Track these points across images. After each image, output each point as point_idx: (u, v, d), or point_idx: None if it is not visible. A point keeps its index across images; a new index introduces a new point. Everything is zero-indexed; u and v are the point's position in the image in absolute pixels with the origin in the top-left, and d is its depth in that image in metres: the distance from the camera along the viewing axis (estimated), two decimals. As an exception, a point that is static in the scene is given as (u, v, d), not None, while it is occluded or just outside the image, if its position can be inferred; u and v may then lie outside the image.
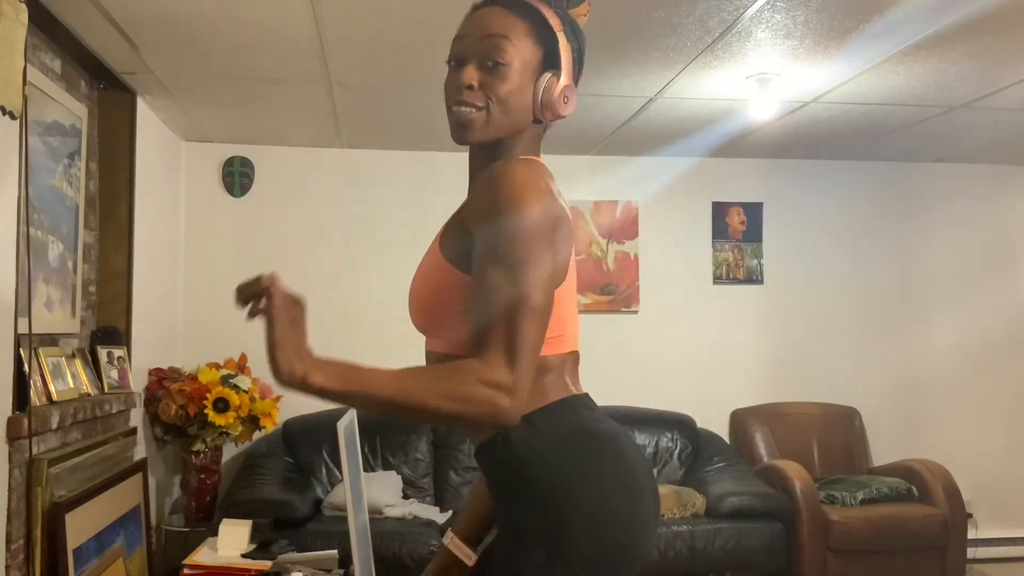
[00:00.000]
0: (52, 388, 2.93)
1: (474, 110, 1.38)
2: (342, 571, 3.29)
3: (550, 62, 1.44)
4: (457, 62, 1.41)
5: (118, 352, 3.66)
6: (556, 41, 1.44)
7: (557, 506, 1.31)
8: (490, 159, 1.41)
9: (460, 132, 1.40)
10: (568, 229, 1.36)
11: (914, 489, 4.56)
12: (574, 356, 1.46)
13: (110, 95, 3.77)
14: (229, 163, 4.89)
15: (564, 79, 1.46)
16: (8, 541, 2.55)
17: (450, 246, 1.38)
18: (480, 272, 1.26)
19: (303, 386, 1.17)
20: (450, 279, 1.36)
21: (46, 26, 3.02)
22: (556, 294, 1.32)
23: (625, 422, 4.85)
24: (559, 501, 1.31)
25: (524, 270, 1.23)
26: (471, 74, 1.38)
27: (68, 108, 3.28)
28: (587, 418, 1.42)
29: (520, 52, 1.39)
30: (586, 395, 1.46)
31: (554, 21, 1.45)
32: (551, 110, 1.44)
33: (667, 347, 5.08)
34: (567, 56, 1.47)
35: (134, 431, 3.72)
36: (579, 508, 1.31)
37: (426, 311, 1.43)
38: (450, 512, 4.36)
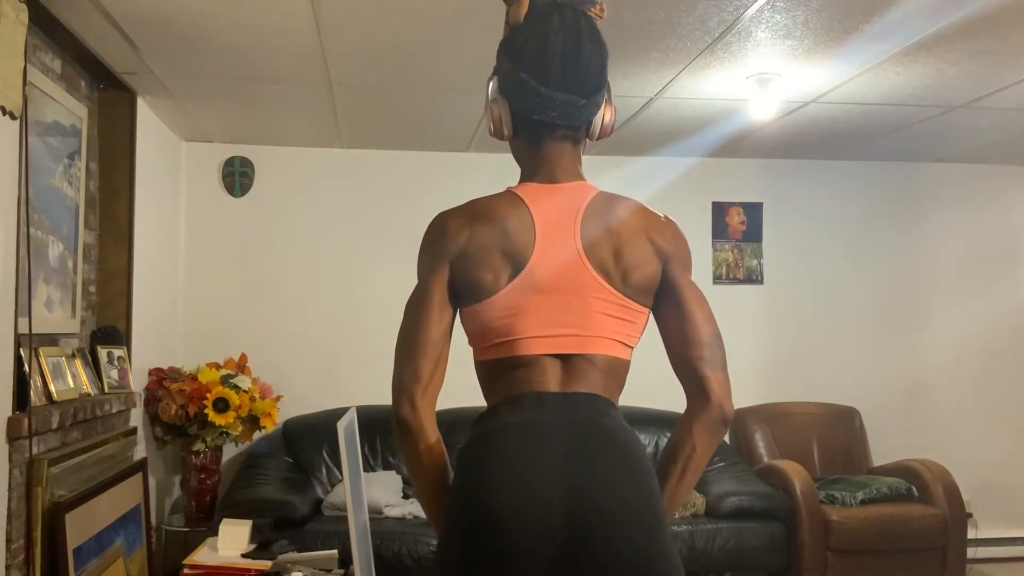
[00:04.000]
0: (52, 388, 2.93)
1: None
2: (342, 571, 3.29)
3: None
4: None
5: (118, 352, 3.66)
6: None
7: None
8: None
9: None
10: (472, 253, 1.52)
11: (914, 489, 4.56)
12: (540, 360, 1.51)
13: (110, 95, 3.77)
14: (229, 163, 4.89)
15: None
16: (8, 541, 2.55)
17: None
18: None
19: None
20: None
21: (46, 26, 3.02)
22: (483, 306, 1.52)
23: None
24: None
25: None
26: None
27: (68, 108, 3.28)
28: (487, 419, 1.51)
29: None
30: (522, 394, 1.50)
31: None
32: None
33: (667, 347, 5.07)
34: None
35: (134, 431, 3.72)
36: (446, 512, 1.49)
37: None
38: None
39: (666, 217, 1.63)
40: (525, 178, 1.62)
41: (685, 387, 1.56)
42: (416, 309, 1.54)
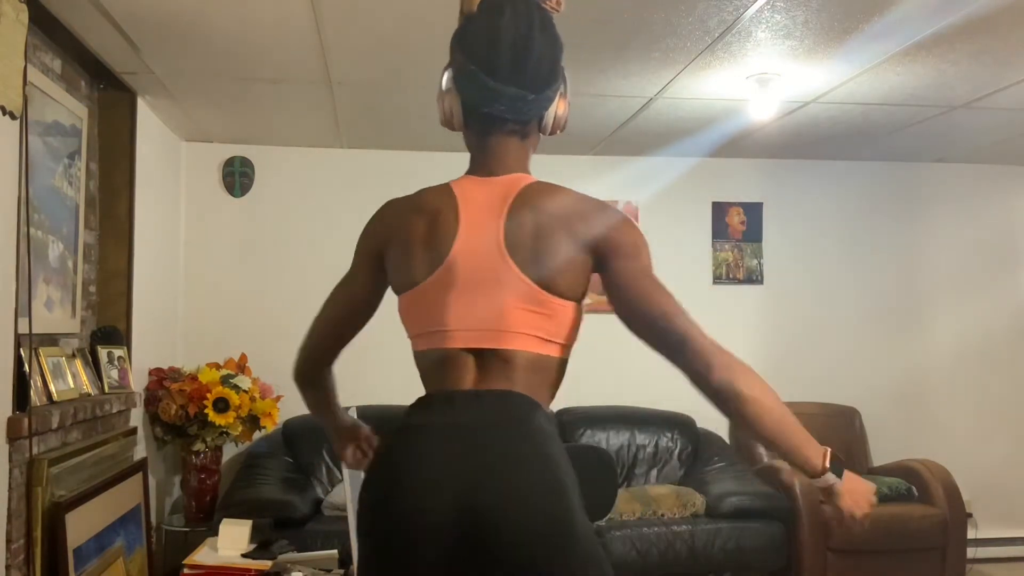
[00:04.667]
0: (52, 388, 2.93)
1: None
2: (342, 571, 3.29)
3: None
4: None
5: (118, 352, 3.66)
6: None
7: None
8: None
9: None
10: (399, 241, 1.57)
11: (914, 489, 4.56)
12: (451, 353, 1.51)
13: (110, 95, 3.77)
14: (229, 163, 4.89)
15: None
16: (8, 541, 2.55)
17: None
18: None
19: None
20: None
21: (46, 26, 3.02)
22: (409, 296, 1.54)
23: (625, 422, 4.89)
24: None
25: None
26: None
27: (68, 108, 3.28)
28: (406, 416, 1.54)
29: None
30: (435, 394, 1.53)
31: None
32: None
33: (667, 347, 5.07)
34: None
35: (134, 431, 3.72)
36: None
37: None
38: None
39: (605, 205, 1.56)
40: (468, 170, 1.61)
41: (681, 367, 1.51)
42: (331, 294, 1.72)
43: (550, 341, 1.51)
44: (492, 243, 1.49)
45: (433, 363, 1.53)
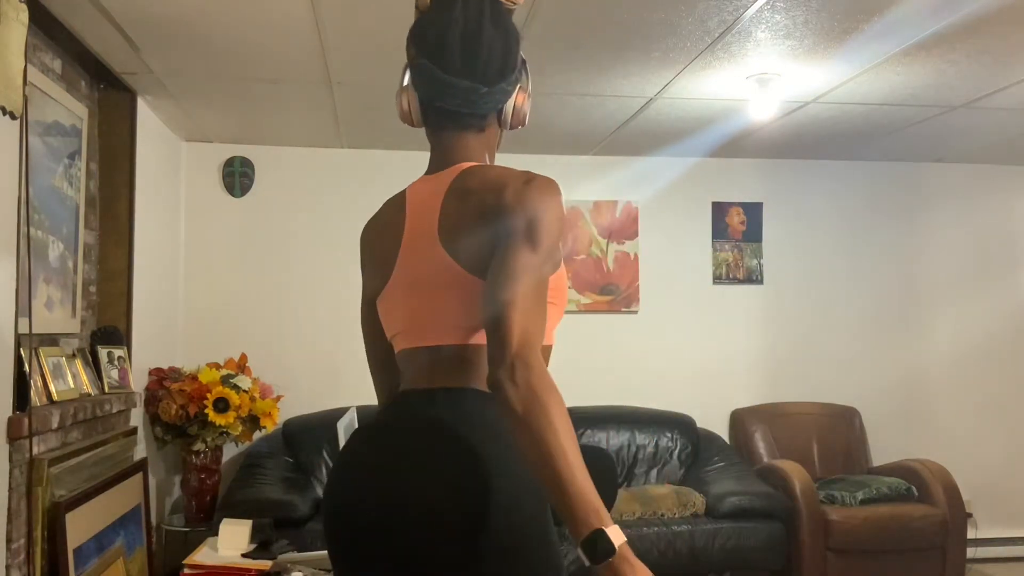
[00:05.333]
0: (52, 388, 2.93)
1: None
2: (342, 571, 3.29)
3: None
4: None
5: (118, 352, 3.66)
6: None
7: None
8: None
9: None
10: (369, 260, 1.60)
11: (914, 489, 4.56)
12: (408, 354, 1.52)
13: (110, 95, 3.77)
14: (229, 163, 4.89)
15: None
16: (8, 541, 2.55)
17: None
18: None
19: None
20: None
21: (46, 26, 3.02)
22: (379, 305, 1.56)
23: (625, 422, 4.89)
24: None
25: None
26: None
27: (68, 108, 3.28)
28: (376, 416, 1.55)
29: None
30: (396, 395, 1.52)
31: None
32: None
33: (667, 347, 5.08)
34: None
35: (134, 431, 3.73)
36: None
37: None
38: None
39: (529, 177, 1.43)
40: (427, 169, 1.58)
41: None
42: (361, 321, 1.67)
43: None
44: (428, 237, 1.46)
45: (402, 364, 1.54)
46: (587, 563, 1.15)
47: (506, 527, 1.33)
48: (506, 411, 1.23)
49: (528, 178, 1.42)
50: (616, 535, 1.15)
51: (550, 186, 1.42)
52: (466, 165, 1.51)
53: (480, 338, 1.38)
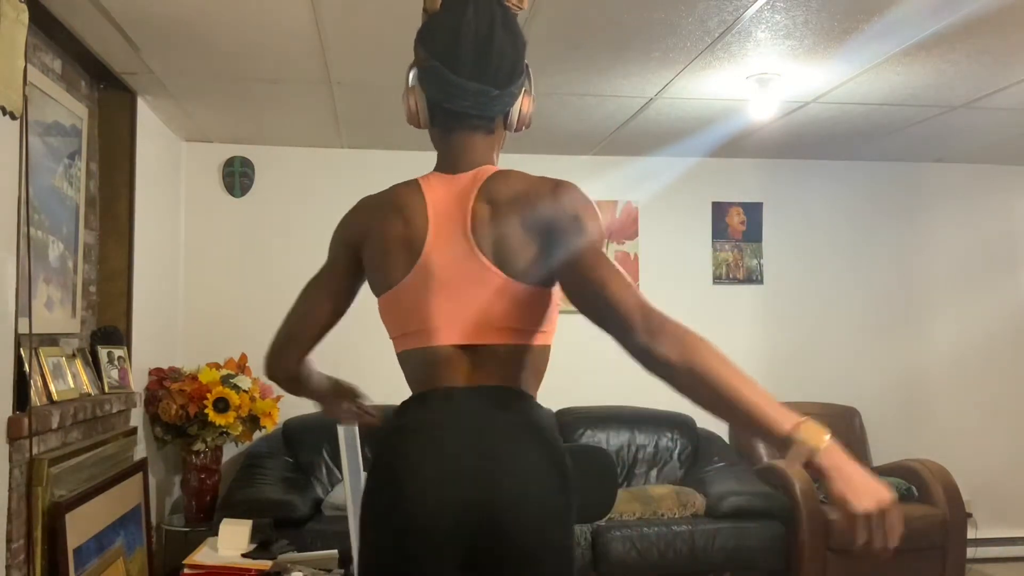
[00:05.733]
0: (52, 388, 2.93)
1: None
2: (342, 571, 3.29)
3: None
4: None
5: (118, 352, 3.66)
6: None
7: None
8: None
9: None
10: (375, 240, 1.58)
11: (914, 489, 4.56)
12: (431, 352, 1.52)
13: (110, 95, 3.77)
14: (229, 163, 4.89)
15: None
16: (8, 541, 2.55)
17: None
18: None
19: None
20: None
21: (46, 26, 3.02)
22: (388, 297, 1.54)
23: (625, 422, 4.89)
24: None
25: None
26: None
27: (68, 108, 3.28)
28: (395, 418, 1.55)
29: None
30: (430, 392, 1.52)
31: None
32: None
33: (667, 347, 5.07)
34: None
35: (134, 431, 3.73)
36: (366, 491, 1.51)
37: None
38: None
39: (559, 183, 1.52)
40: (436, 167, 1.62)
41: (613, 335, 1.39)
42: (305, 287, 1.73)
43: (530, 330, 1.51)
44: (461, 238, 1.50)
45: (422, 362, 1.53)
46: (809, 451, 1.26)
47: (572, 521, 1.48)
48: (662, 367, 1.31)
49: (562, 184, 1.52)
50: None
51: (578, 188, 1.54)
52: (491, 169, 1.56)
53: (527, 338, 1.50)
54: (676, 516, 4.24)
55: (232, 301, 4.82)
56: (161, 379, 4.16)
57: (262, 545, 3.42)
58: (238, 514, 3.61)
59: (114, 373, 3.57)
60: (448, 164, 1.59)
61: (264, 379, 4.37)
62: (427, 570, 1.42)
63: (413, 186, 1.59)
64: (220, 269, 4.84)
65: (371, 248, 1.59)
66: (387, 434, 1.53)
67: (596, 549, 4.08)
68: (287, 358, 1.77)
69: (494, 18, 1.52)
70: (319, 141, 4.85)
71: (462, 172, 1.56)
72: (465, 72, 1.51)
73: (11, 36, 2.39)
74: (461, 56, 1.50)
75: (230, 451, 4.60)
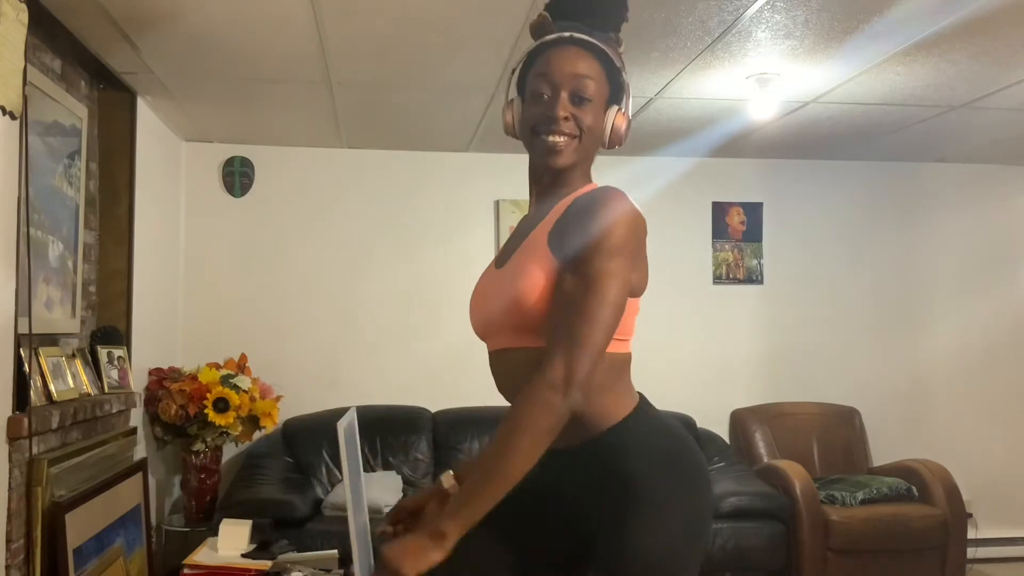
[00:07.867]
0: (52, 388, 2.93)
1: (567, 138, 1.57)
2: (342, 571, 3.29)
3: (614, 97, 1.62)
4: (548, 95, 1.57)
5: (118, 352, 3.66)
6: (620, 79, 1.62)
7: (659, 500, 1.50)
8: (561, 180, 1.62)
9: (552, 157, 1.58)
10: (643, 252, 1.59)
11: (914, 489, 4.56)
12: (629, 358, 1.68)
13: (110, 95, 3.77)
14: (229, 163, 4.89)
15: (628, 112, 1.64)
16: (8, 541, 2.55)
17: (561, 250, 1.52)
18: (565, 282, 1.47)
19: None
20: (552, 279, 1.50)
21: (46, 26, 3.02)
22: (632, 305, 1.58)
23: (625, 422, 4.88)
24: (660, 495, 1.50)
25: (607, 281, 1.45)
26: (566, 106, 1.56)
27: (68, 108, 3.28)
28: (657, 417, 1.64)
29: (599, 89, 1.58)
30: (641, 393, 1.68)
31: (619, 62, 1.61)
32: (618, 140, 1.63)
33: (667, 347, 5.08)
34: (628, 92, 1.64)
35: (134, 431, 3.72)
36: (678, 501, 1.52)
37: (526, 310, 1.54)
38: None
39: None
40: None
41: None
42: (616, 309, 1.48)
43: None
44: None
45: (625, 365, 1.66)
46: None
47: None
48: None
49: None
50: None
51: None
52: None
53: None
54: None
55: (232, 301, 4.82)
56: (161, 379, 4.16)
57: (262, 545, 3.42)
58: (238, 514, 3.61)
59: (114, 373, 3.57)
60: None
61: (264, 379, 4.41)
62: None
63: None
64: (220, 269, 4.84)
65: (640, 258, 1.60)
66: (679, 434, 1.65)
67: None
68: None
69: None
70: (319, 141, 4.85)
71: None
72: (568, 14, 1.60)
73: (11, 36, 2.39)
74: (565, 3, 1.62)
75: (230, 451, 4.60)
